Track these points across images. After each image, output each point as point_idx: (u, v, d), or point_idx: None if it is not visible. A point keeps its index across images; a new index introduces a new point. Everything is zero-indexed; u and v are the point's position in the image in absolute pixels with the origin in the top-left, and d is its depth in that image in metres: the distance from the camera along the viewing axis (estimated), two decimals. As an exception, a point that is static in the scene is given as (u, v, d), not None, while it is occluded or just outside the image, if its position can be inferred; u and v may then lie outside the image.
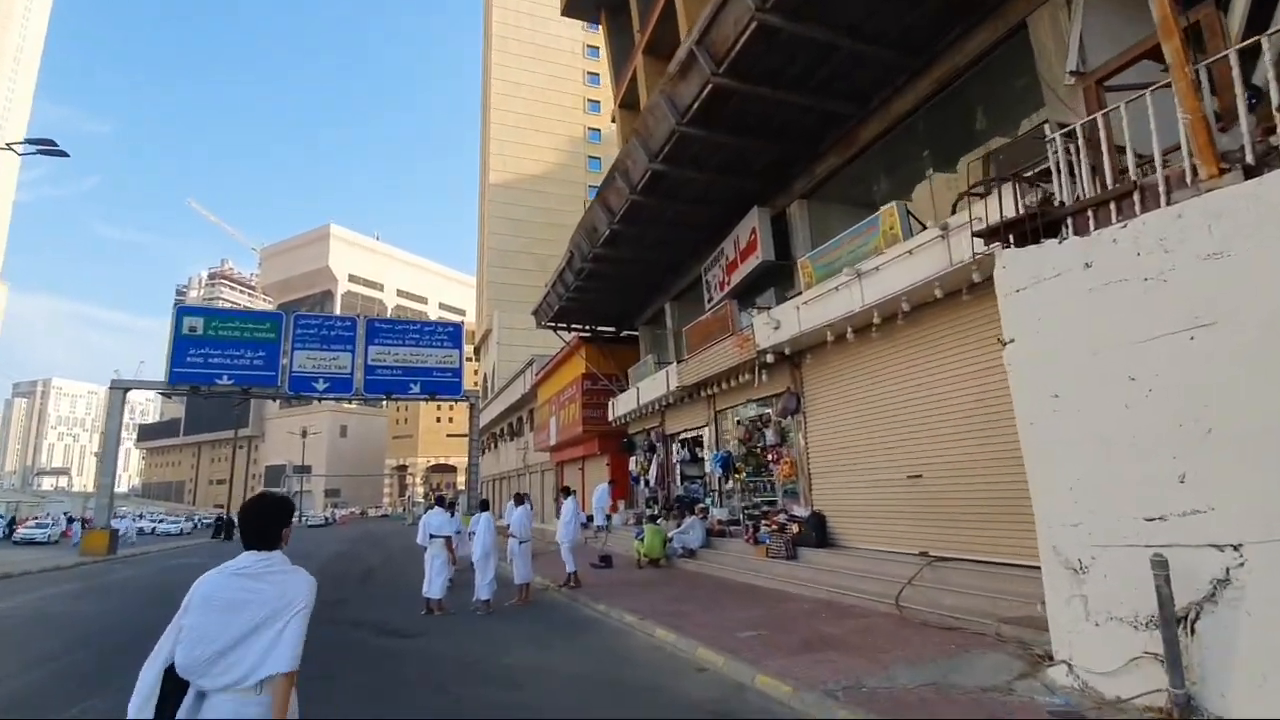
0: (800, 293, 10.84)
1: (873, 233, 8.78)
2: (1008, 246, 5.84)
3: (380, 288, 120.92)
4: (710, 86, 9.54)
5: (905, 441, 9.01)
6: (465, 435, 36.50)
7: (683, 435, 16.92)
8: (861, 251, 9.01)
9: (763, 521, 11.90)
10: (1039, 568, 6.85)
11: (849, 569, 9.23)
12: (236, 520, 2.84)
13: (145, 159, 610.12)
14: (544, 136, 65.90)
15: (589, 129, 68.19)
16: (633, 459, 20.16)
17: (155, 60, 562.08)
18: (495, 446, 47.84)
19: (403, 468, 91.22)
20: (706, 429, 15.36)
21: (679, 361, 15.02)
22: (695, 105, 10.11)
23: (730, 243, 13.69)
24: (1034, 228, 5.55)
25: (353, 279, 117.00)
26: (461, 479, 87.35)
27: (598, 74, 69.62)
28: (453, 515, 13.68)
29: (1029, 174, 6.33)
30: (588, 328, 22.86)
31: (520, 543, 10.67)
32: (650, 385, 16.74)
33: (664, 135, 11.11)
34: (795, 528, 10.64)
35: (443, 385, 32.64)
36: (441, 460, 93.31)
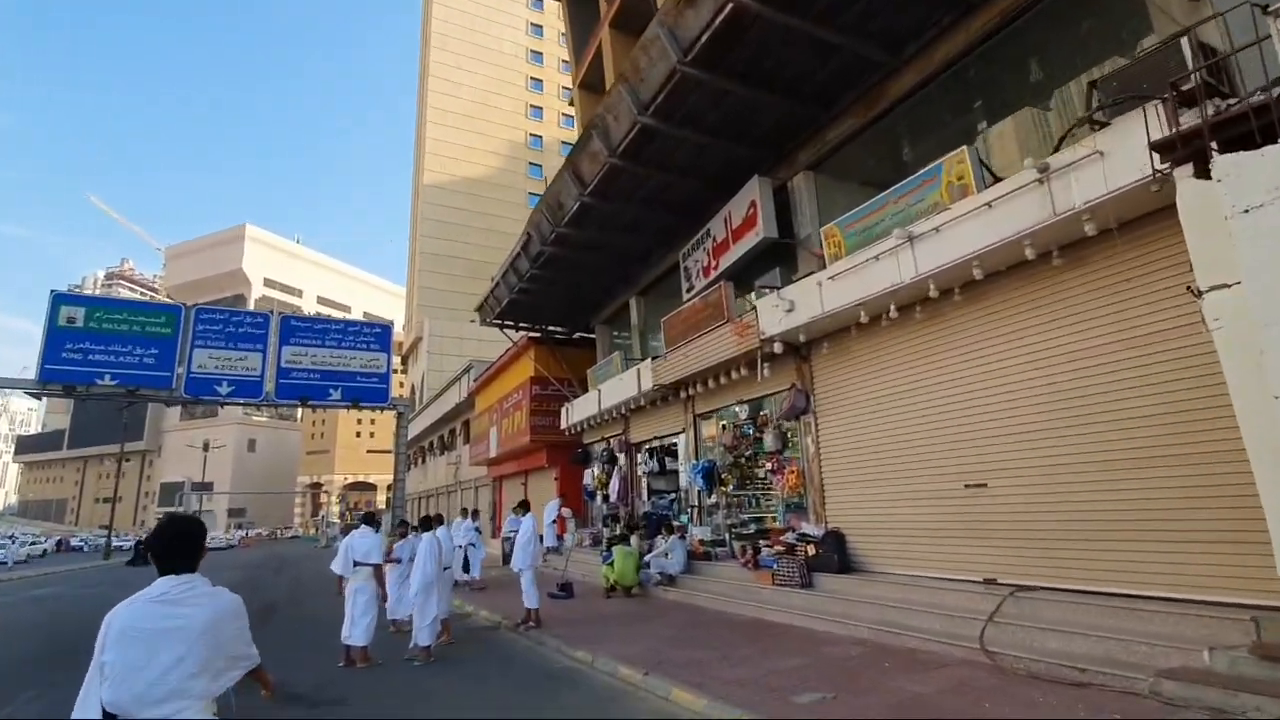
0: (812, 273, 9.21)
1: (930, 186, 7.21)
2: (1192, 164, 4.28)
3: (299, 293, 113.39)
4: (730, 8, 7.82)
5: (961, 444, 7.41)
6: (388, 451, 33.29)
7: (651, 444, 14.99)
8: (913, 211, 7.43)
9: (762, 542, 10.07)
10: (1186, 600, 5.33)
11: (890, 600, 7.50)
12: (147, 545, 2.49)
13: (43, 153, 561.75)
14: (483, 139, 63.29)
15: (530, 134, 66.04)
16: (588, 472, 18.03)
17: (60, 53, 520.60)
18: (423, 461, 44.44)
19: (317, 485, 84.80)
20: (683, 435, 13.48)
21: (653, 359, 13.13)
22: (704, 37, 8.37)
23: (720, 221, 11.98)
24: (1251, 130, 4.00)
25: (269, 283, 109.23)
26: (382, 497, 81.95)
27: (541, 80, 67.99)
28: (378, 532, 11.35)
29: (1186, 86, 4.84)
30: (538, 327, 20.66)
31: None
32: (615, 387, 14.76)
33: (660, 79, 9.31)
34: (810, 549, 8.86)
35: (367, 391, 29.33)
36: (360, 477, 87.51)
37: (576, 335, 21.37)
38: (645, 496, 14.98)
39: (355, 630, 7.88)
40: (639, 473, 15.45)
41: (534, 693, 6.42)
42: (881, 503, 8.47)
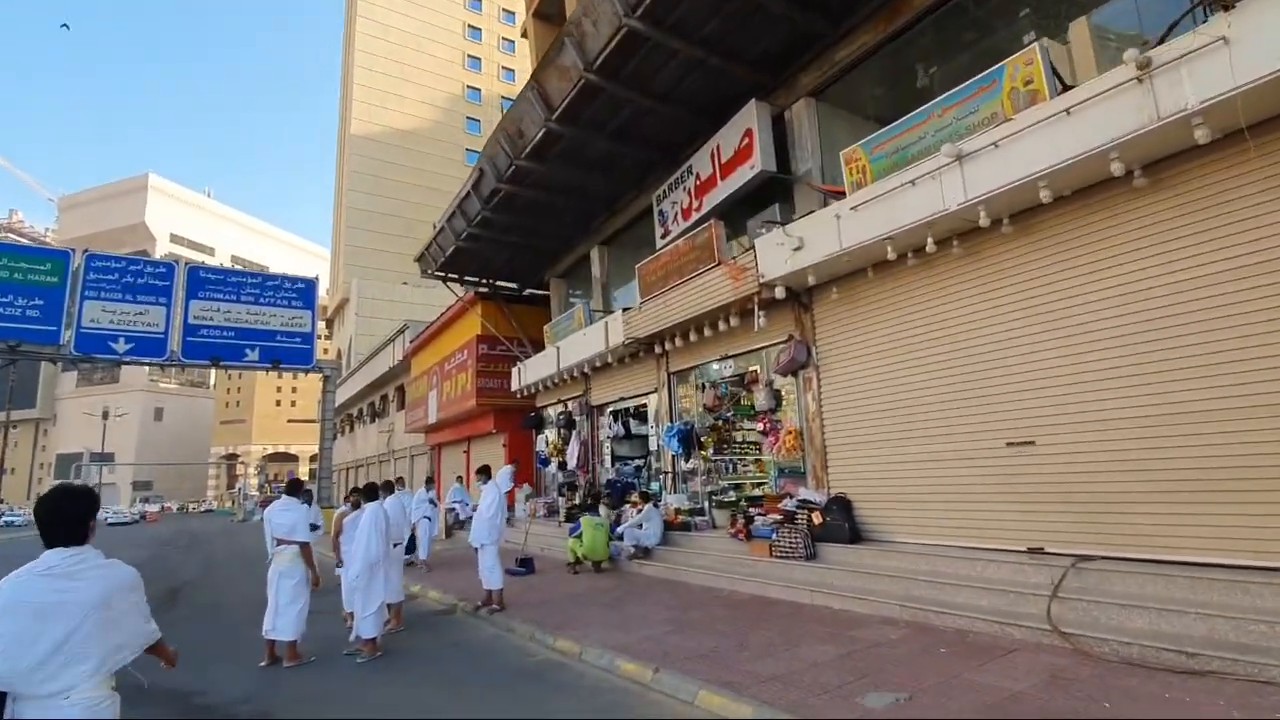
0: (821, 207, 8.11)
1: (987, 94, 6.16)
2: None
3: (210, 251, 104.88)
4: None
5: (1001, 397, 6.51)
6: (312, 420, 30.90)
7: (615, 406, 13.76)
8: (963, 125, 6.38)
9: (754, 510, 9.06)
10: (1310, 573, 4.56)
11: (916, 574, 6.61)
12: (35, 517, 2.37)
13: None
14: (417, 89, 59.42)
15: (468, 87, 62.43)
16: (541, 437, 16.69)
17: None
18: (351, 430, 41.81)
19: (233, 456, 79.54)
20: (654, 396, 12.30)
21: (623, 310, 11.83)
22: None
23: (705, 156, 10.70)
24: None
25: (175, 239, 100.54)
26: (305, 468, 77.75)
27: (479, 29, 64.18)
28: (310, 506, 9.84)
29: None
30: (485, 282, 18.91)
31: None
32: (578, 343, 13.39)
33: (653, -31, 7.89)
34: (815, 517, 7.89)
35: (289, 352, 27.10)
36: (281, 448, 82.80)
37: (527, 292, 19.77)
38: (609, 463, 13.78)
39: (280, 621, 6.42)
40: (601, 437, 14.22)
41: (513, 696, 5.18)
42: (897, 465, 7.56)
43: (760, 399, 9.47)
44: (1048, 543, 6.05)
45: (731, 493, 10.87)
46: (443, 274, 18.13)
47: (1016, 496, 6.36)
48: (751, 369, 10.11)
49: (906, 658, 5.00)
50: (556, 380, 14.80)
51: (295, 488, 7.16)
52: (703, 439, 10.89)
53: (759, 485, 10.52)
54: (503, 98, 62.15)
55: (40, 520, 2.35)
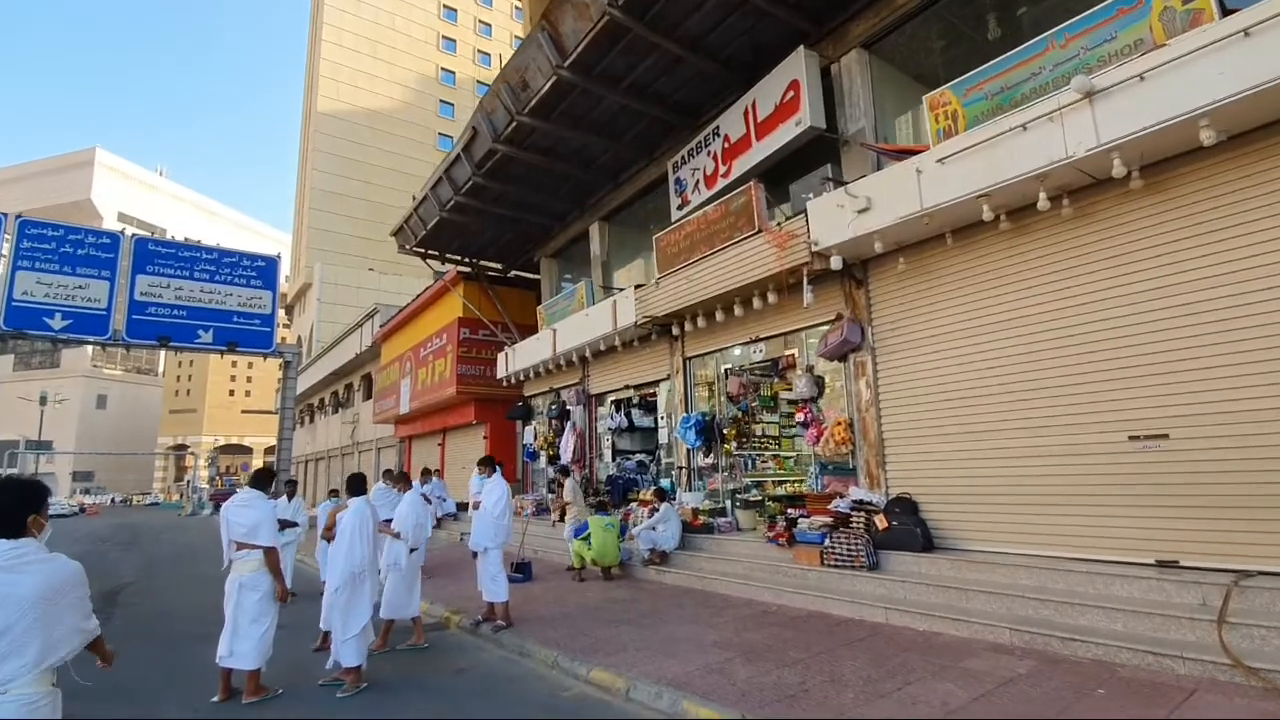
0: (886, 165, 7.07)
1: (1129, 17, 5.15)
2: None
3: (162, 233, 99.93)
4: None
5: (1125, 383, 5.53)
6: (268, 411, 28.76)
7: (619, 394, 12.55)
8: (1092, 56, 5.37)
9: (793, 510, 7.96)
10: None
11: (1019, 590, 5.58)
12: None
13: None
14: (388, 68, 57.02)
15: (442, 69, 60.20)
16: (529, 429, 15.37)
17: None
18: (311, 421, 39.70)
19: (182, 447, 75.44)
20: (666, 384, 11.14)
21: (635, 288, 10.64)
22: None
23: (737, 115, 9.55)
24: None
25: (124, 218, 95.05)
26: (259, 460, 74.30)
27: (455, 9, 62.01)
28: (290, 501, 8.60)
29: None
30: (468, 260, 17.47)
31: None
32: (579, 325, 12.14)
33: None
34: (879, 521, 6.83)
35: (247, 335, 24.83)
36: (234, 439, 79.17)
37: (513, 274, 18.41)
38: (609, 457, 12.56)
39: (240, 645, 5.09)
40: (600, 429, 13.00)
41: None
42: (977, 461, 6.55)
43: (800, 386, 8.39)
44: (1182, 554, 5.09)
45: (755, 490, 9.79)
46: (422, 250, 16.67)
47: (1139, 499, 5.38)
48: (787, 353, 9.05)
49: (1058, 700, 3.94)
50: (550, 366, 13.52)
51: (262, 479, 5.79)
52: (725, 431, 9.76)
53: (782, 483, 9.48)
54: (479, 82, 60.28)
55: None
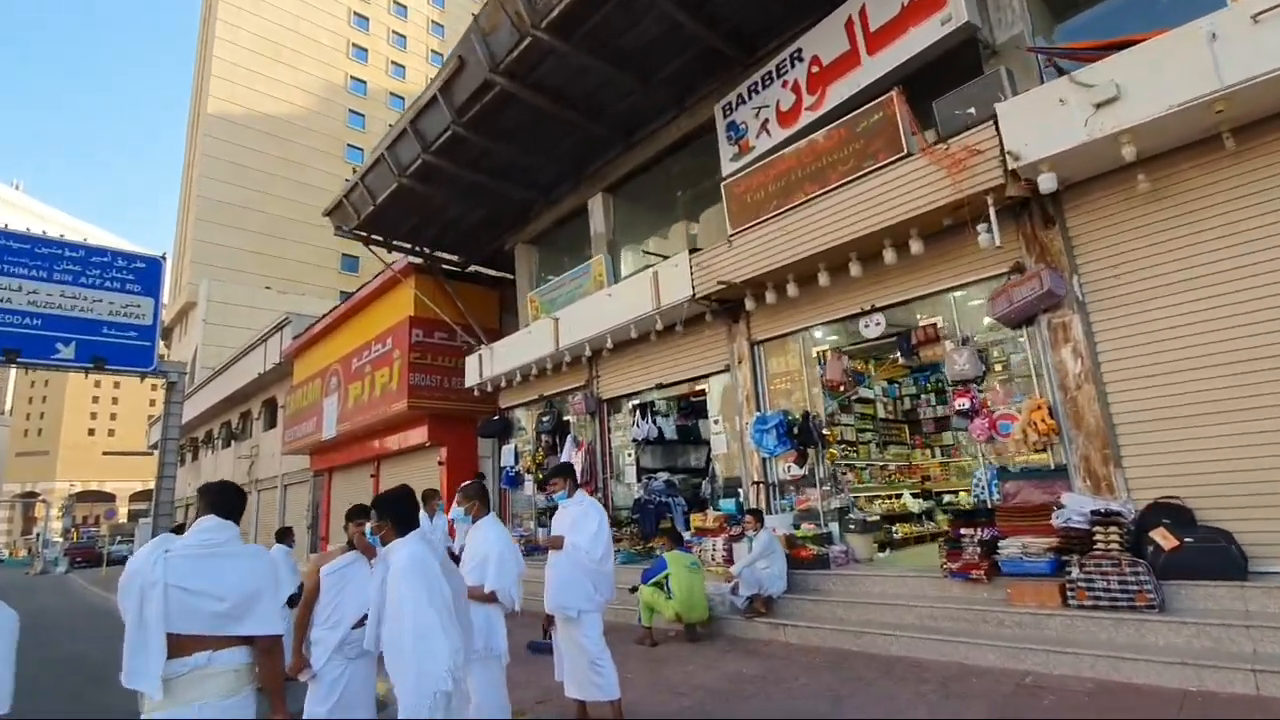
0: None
1: None
2: None
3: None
4: None
5: None
6: (137, 453, 23.66)
7: (642, 397, 10.01)
8: None
9: (984, 531, 5.73)
10: None
11: None
12: None
13: None
14: (292, 73, 52.33)
15: (352, 78, 56.01)
16: (508, 448, 12.45)
17: None
18: (195, 458, 34.05)
19: (31, 495, 64.41)
20: (722, 377, 8.75)
21: (690, 252, 8.28)
22: None
23: (831, 31, 7.48)
24: None
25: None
26: (125, 508, 64.39)
27: (366, 18, 58.28)
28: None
29: None
30: (420, 249, 14.44)
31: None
32: (597, 310, 9.57)
33: None
34: (1165, 539, 4.72)
35: (120, 349, 20.34)
36: (94, 485, 68.59)
37: (471, 269, 15.54)
38: (631, 477, 9.92)
39: None
40: (616, 443, 10.37)
41: None
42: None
43: (960, 363, 6.26)
44: None
45: (850, 510, 7.53)
46: (364, 234, 13.55)
47: None
48: (928, 323, 6.92)
49: None
50: (546, 367, 10.80)
51: (224, 504, 2.84)
52: (824, 433, 7.48)
53: (915, 495, 7.30)
54: (392, 94, 56.83)
55: None
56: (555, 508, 10.16)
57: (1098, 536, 4.99)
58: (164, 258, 22.60)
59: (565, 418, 11.19)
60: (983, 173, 5.60)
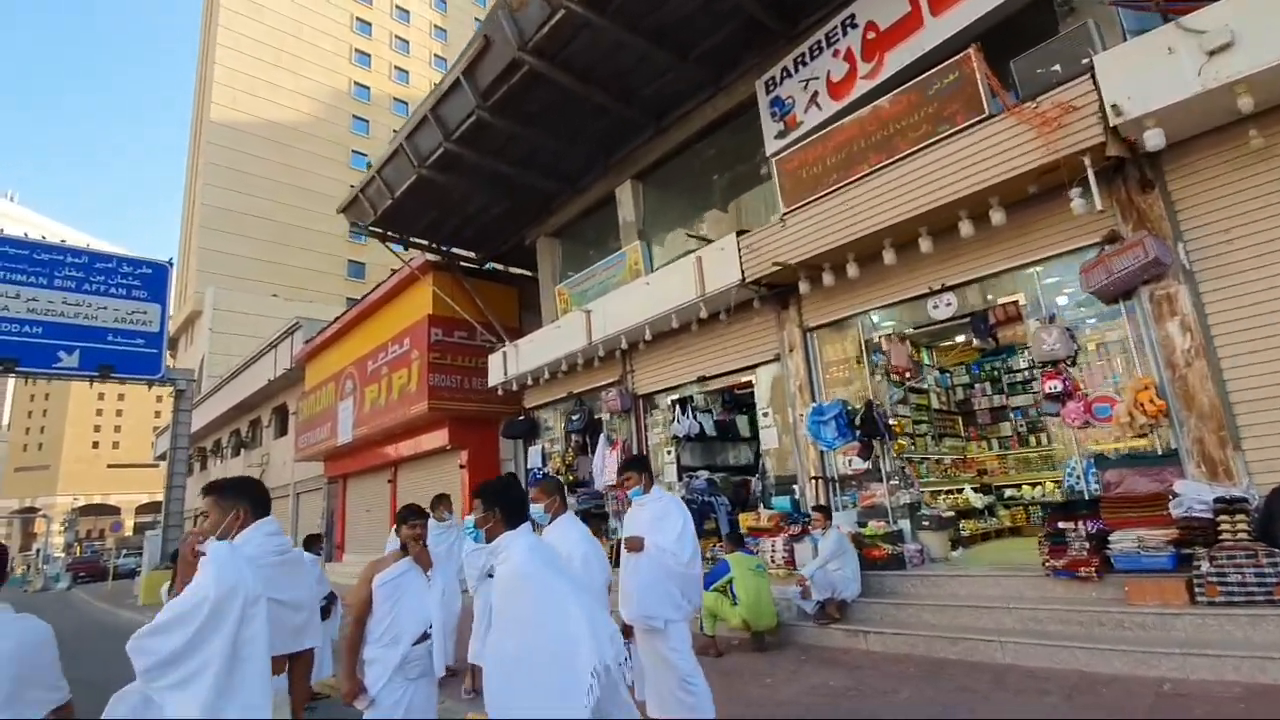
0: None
1: None
2: None
3: None
4: None
5: None
6: (139, 465, 23.39)
7: (682, 391, 9.53)
8: None
9: (1070, 523, 5.21)
10: None
11: None
12: None
13: None
14: (294, 79, 52.09)
15: (356, 84, 55.78)
16: (534, 449, 11.97)
17: None
18: (203, 468, 33.57)
19: (31, 510, 63.98)
20: (771, 367, 8.26)
21: (738, 234, 7.82)
22: None
23: (888, -8, 7.07)
24: None
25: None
26: (130, 521, 63.89)
27: (369, 23, 58.12)
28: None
29: None
30: (436, 245, 13.99)
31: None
32: (635, 299, 9.08)
33: None
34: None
35: (127, 357, 20.33)
36: (97, 498, 68.18)
37: (488, 266, 15.11)
38: (676, 476, 9.42)
39: None
40: (652, 441, 9.88)
41: None
42: None
43: (1049, 343, 5.76)
44: None
45: (916, 503, 7.03)
46: (379, 230, 13.11)
47: None
48: (1003, 301, 6.43)
49: None
50: (577, 362, 10.34)
51: (267, 498, 2.41)
52: (890, 423, 6.99)
53: (977, 490, 6.82)
54: (395, 99, 56.59)
55: None
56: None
57: (1223, 526, 4.50)
58: (170, 263, 22.31)
59: (597, 416, 10.71)
60: (1079, 131, 5.13)
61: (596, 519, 10.33)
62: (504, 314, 14.17)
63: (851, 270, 6.87)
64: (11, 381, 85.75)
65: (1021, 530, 8.41)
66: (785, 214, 7.18)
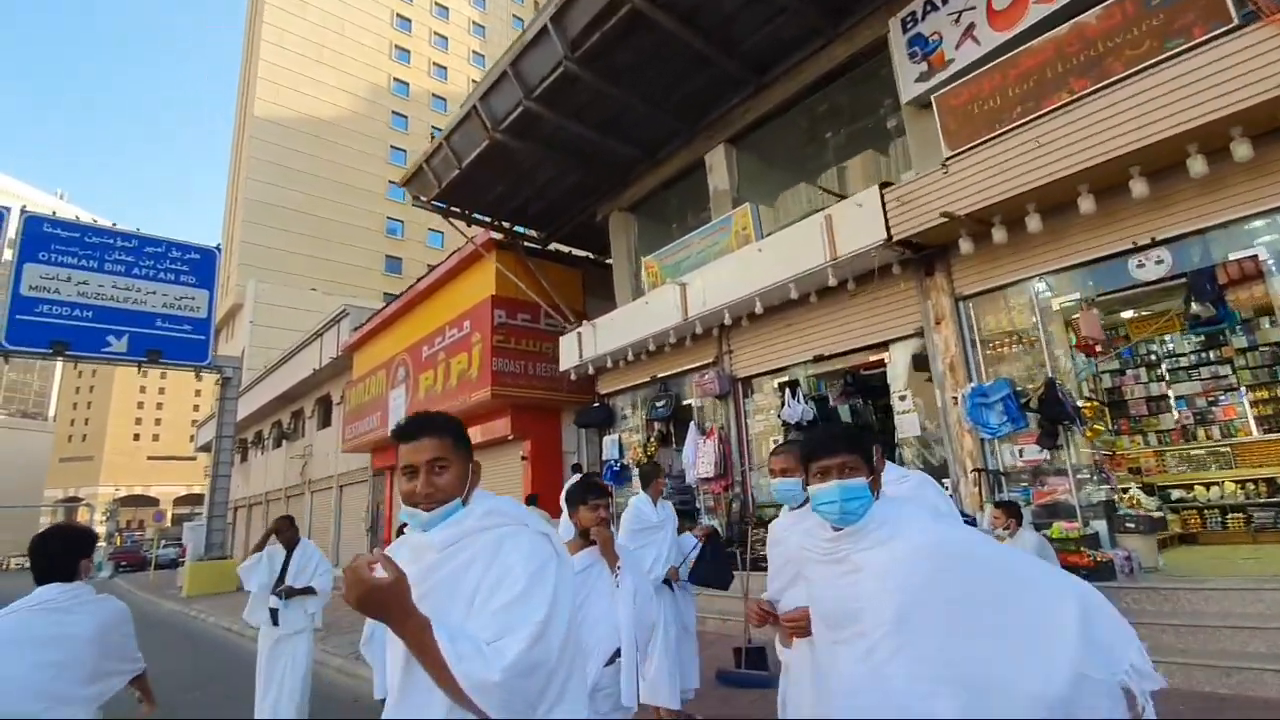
0: None
1: None
2: None
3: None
4: None
5: None
6: (179, 457, 22.78)
7: (791, 373, 8.49)
8: None
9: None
10: None
11: None
12: (30, 555, 2.43)
13: None
14: (336, 75, 52.18)
15: (395, 80, 55.74)
16: (610, 439, 11.03)
17: None
18: (243, 459, 33.33)
19: (74, 499, 65.04)
20: (909, 343, 7.20)
21: (881, 186, 6.77)
22: None
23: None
24: None
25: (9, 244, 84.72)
26: (171, 511, 64.63)
27: (409, 20, 58.10)
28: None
29: None
30: (499, 223, 13.15)
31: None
32: (744, 267, 8.08)
33: None
34: None
35: (174, 343, 19.93)
36: (139, 489, 69.14)
37: (551, 247, 14.24)
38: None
39: None
40: (755, 429, 8.86)
41: None
42: None
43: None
44: None
45: (1112, 501, 5.90)
46: (444, 204, 12.32)
47: None
48: (1242, 255, 5.28)
49: None
50: (667, 342, 9.38)
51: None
52: (1079, 406, 5.88)
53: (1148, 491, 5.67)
54: (434, 95, 56.45)
55: (35, 558, 2.37)
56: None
57: None
58: (218, 248, 21.91)
59: (685, 401, 9.73)
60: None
61: (683, 516, 9.34)
62: (569, 297, 13.26)
63: (1032, 224, 5.79)
64: (58, 375, 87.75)
65: (1198, 537, 7.22)
66: (949, 158, 6.12)
